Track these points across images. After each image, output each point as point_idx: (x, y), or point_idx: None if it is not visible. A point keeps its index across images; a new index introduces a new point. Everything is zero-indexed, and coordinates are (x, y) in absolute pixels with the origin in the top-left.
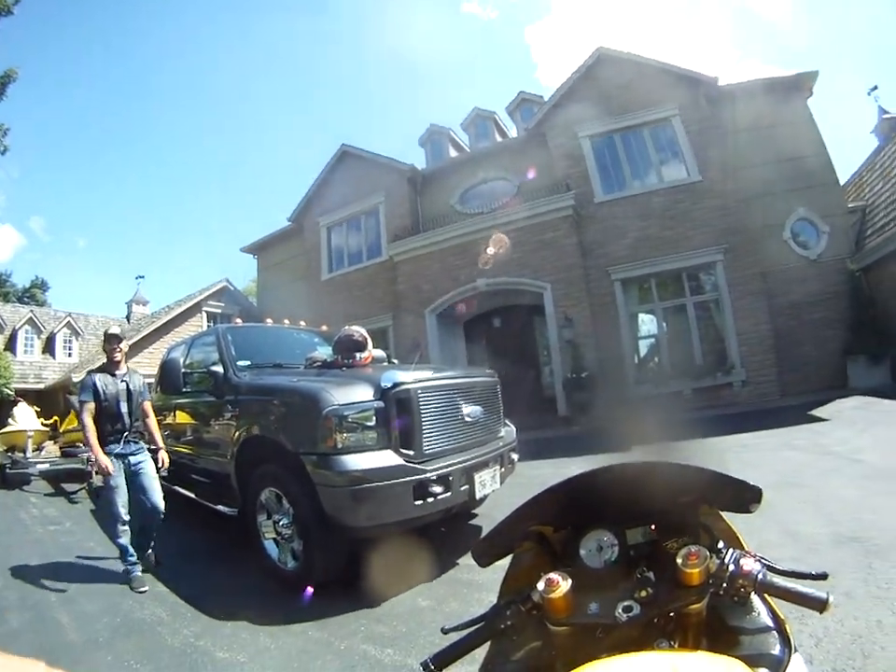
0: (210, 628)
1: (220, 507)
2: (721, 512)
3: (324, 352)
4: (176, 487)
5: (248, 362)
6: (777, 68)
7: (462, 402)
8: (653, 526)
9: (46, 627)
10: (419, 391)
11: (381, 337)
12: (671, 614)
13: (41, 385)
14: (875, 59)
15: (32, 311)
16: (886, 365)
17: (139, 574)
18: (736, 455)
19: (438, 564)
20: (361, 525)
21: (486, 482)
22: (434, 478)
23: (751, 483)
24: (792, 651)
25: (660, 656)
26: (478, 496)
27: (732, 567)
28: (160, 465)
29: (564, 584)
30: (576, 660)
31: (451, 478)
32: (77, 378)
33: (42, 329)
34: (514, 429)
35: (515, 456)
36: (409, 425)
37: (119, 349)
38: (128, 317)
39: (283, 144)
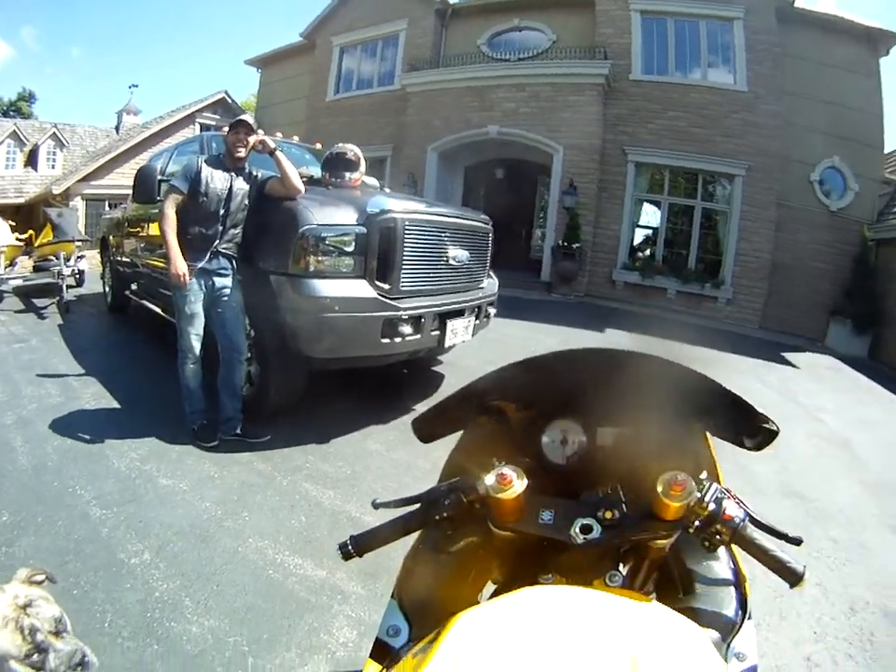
0: (156, 452)
1: None
2: (708, 436)
3: (313, 170)
4: (145, 301)
5: None
6: (862, 17)
7: (450, 243)
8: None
9: None
10: (406, 222)
11: (378, 167)
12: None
13: (21, 200)
14: None
15: (15, 124)
16: (867, 338)
17: (205, 423)
18: (708, 370)
19: (393, 407)
20: (323, 356)
21: (458, 331)
22: (405, 317)
23: (770, 419)
24: (747, 615)
25: (611, 600)
26: (447, 343)
27: (712, 507)
28: (260, 145)
29: (518, 484)
30: (515, 571)
31: (423, 320)
32: (57, 190)
33: (25, 141)
34: (497, 282)
35: (493, 311)
36: (389, 257)
37: (244, 142)
38: (117, 128)
39: None
